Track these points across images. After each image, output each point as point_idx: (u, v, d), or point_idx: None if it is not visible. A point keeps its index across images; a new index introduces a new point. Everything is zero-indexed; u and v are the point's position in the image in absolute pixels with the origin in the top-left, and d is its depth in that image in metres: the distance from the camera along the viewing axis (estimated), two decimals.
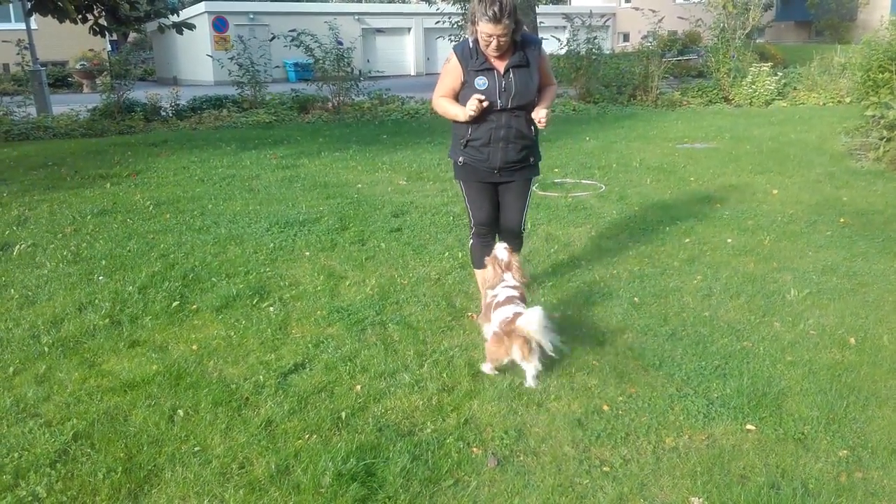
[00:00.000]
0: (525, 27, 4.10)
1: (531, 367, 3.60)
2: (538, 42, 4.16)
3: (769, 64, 17.92)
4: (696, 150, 10.47)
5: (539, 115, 4.05)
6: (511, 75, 4.02)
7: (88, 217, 6.91)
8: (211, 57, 23.93)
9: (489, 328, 3.84)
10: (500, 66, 4.02)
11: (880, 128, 9.22)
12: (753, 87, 16.50)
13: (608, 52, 20.63)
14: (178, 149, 11.15)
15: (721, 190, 7.85)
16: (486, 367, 3.78)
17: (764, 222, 6.51)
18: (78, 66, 28.50)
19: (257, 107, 15.55)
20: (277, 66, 24.68)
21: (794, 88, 17.02)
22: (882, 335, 4.18)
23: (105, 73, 16.90)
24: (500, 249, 4.14)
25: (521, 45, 4.04)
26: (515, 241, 4.45)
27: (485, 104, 3.98)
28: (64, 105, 15.59)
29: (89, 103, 15.05)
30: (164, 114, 14.92)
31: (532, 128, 4.22)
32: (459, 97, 4.16)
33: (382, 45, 35.23)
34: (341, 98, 15.92)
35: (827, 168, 8.86)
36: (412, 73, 35.67)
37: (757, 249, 5.76)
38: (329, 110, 15.70)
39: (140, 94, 15.28)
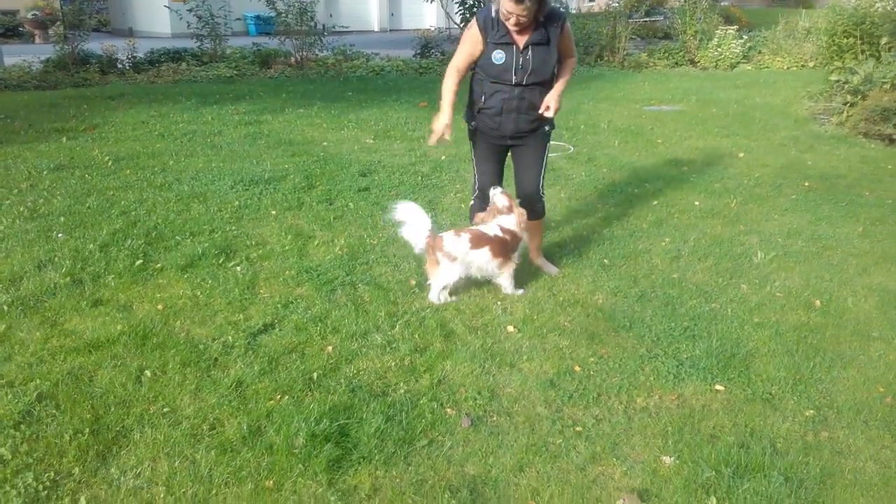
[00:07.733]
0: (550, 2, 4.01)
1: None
2: (562, 17, 4.07)
3: (734, 27, 17.96)
4: (663, 113, 10.49)
5: (551, 106, 4.10)
6: (529, 53, 3.98)
7: (45, 172, 6.67)
8: (169, 8, 23.13)
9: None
10: (521, 41, 3.97)
11: (844, 93, 9.34)
12: (719, 49, 16.54)
13: (574, 12, 20.46)
14: (137, 103, 10.81)
15: (688, 152, 7.89)
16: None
17: (731, 185, 6.57)
18: (29, 16, 27.37)
19: (217, 61, 15.08)
20: (238, 19, 23.99)
21: (759, 52, 17.11)
22: (846, 298, 4.26)
23: (58, 22, 16.23)
24: (500, 196, 4.21)
25: (543, 21, 3.96)
26: (535, 207, 4.37)
27: (447, 138, 4.12)
28: (15, 56, 14.96)
29: (42, 54, 14.44)
30: (120, 66, 14.37)
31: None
32: (478, 66, 4.13)
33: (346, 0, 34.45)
34: (304, 53, 15.53)
35: (791, 132, 8.95)
36: (376, 29, 34.96)
37: (724, 212, 5.81)
38: (292, 65, 15.33)
39: (95, 45, 14.71)
